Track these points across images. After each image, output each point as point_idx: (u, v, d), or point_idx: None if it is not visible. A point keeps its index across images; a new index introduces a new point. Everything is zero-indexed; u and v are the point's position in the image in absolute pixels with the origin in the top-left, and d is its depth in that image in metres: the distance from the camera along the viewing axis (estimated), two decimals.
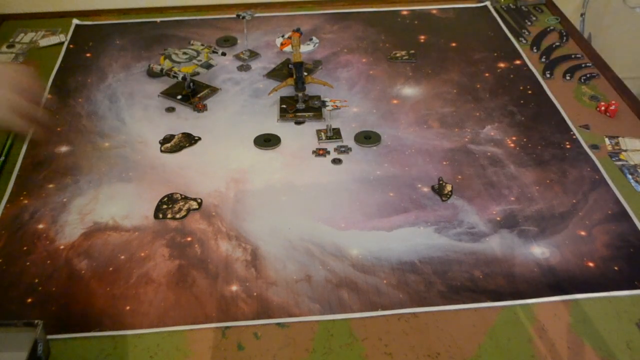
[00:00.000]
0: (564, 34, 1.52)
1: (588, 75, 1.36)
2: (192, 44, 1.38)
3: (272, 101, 1.28)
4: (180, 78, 1.28)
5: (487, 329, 0.85)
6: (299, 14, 1.63)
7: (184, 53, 1.35)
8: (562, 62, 1.42)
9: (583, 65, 1.41)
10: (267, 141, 1.18)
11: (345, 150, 1.16)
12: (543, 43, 1.49)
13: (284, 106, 1.26)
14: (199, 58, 1.33)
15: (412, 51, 1.46)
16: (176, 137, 1.20)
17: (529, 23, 1.58)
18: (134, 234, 0.99)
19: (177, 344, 0.83)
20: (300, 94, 1.26)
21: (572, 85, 1.35)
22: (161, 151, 1.16)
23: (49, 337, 0.83)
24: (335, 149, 1.16)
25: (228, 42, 1.49)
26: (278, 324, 0.86)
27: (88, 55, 1.46)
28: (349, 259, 0.95)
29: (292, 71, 1.29)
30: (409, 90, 1.33)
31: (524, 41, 1.50)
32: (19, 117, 0.86)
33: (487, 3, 1.66)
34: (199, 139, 1.19)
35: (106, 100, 1.30)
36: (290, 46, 1.42)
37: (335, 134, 1.20)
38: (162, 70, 1.30)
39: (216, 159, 1.15)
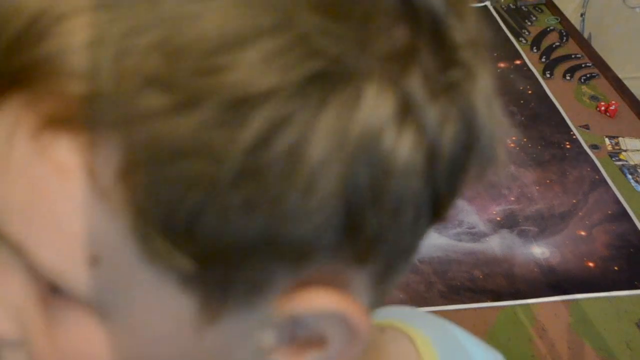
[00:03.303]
0: (564, 34, 1.52)
1: (588, 75, 1.36)
2: None
3: None
4: None
5: (487, 329, 0.85)
6: None
7: None
8: (562, 62, 1.42)
9: (583, 65, 1.41)
10: None
11: None
12: (543, 43, 1.49)
13: None
14: None
15: None
16: None
17: (529, 23, 1.58)
18: None
19: None
20: None
21: (572, 85, 1.35)
22: None
23: None
24: None
25: None
26: None
27: None
28: None
29: None
30: None
31: (524, 41, 1.50)
32: None
33: (487, 3, 1.66)
34: None
35: None
36: None
37: None
38: None
39: None
